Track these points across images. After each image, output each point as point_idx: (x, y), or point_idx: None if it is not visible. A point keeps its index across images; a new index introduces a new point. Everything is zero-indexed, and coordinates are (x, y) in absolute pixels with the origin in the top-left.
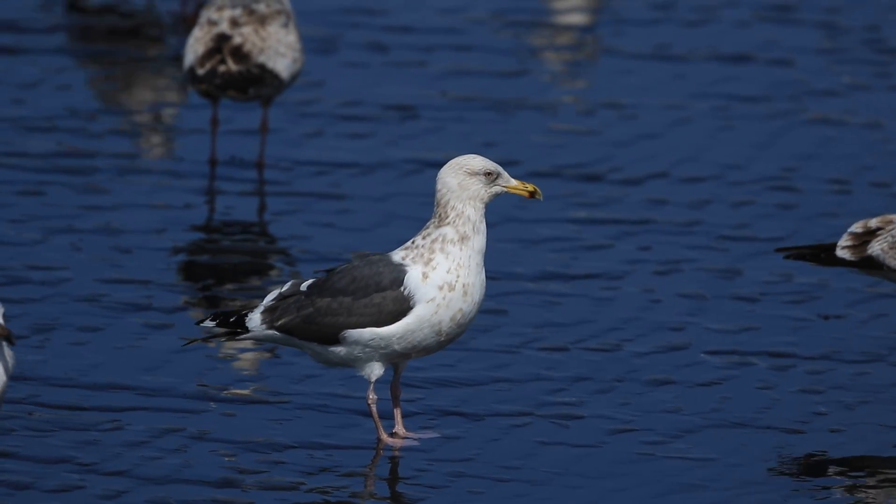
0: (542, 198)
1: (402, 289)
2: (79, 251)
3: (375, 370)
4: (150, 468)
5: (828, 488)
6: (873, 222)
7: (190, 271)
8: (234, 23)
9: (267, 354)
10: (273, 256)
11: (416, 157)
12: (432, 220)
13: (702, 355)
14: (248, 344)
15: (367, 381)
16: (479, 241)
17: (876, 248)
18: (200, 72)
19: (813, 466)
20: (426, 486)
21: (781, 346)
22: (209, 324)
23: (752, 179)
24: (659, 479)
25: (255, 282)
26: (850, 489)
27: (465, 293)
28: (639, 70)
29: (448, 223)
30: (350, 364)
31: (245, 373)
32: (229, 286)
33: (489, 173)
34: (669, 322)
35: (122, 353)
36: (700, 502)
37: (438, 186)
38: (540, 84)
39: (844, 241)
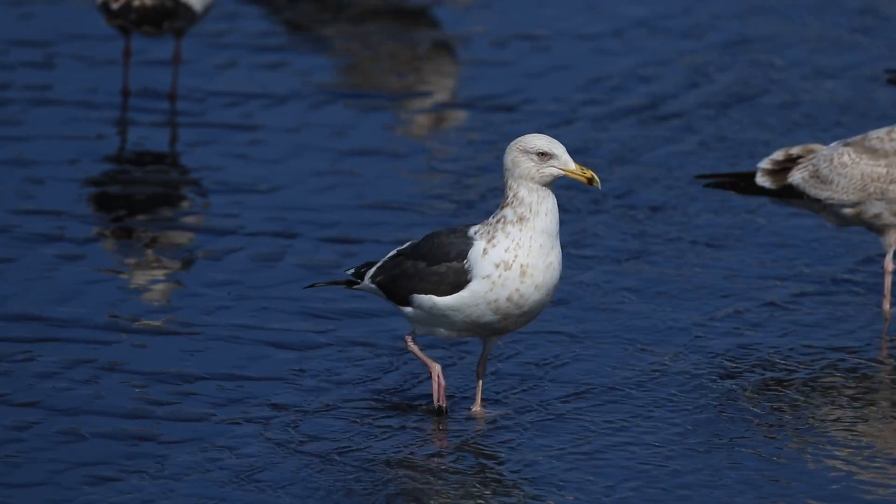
0: (599, 185)
1: (464, 262)
2: None
3: (435, 334)
4: (61, 399)
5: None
6: (795, 150)
7: (102, 202)
8: None
9: (177, 286)
10: (185, 187)
11: (327, 87)
12: (502, 200)
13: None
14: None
15: (409, 329)
16: (540, 222)
17: (797, 176)
18: (114, 6)
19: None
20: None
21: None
22: (350, 270)
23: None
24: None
25: (167, 213)
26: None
27: (524, 273)
28: (553, 1)
29: (507, 204)
30: (427, 331)
31: (156, 304)
32: (141, 217)
33: (543, 153)
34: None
35: (34, 285)
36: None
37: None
38: (452, 16)
39: (764, 165)
